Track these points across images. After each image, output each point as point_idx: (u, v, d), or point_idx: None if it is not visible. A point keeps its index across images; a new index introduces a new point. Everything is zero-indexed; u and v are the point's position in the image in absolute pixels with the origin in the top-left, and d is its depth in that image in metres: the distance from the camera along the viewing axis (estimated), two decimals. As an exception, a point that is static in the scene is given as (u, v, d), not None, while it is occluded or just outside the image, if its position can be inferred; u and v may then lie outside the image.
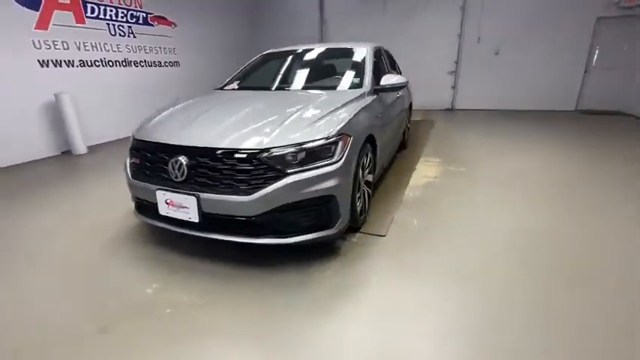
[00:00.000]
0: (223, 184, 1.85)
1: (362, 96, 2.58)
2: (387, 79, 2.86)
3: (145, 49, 6.45)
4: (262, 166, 1.80)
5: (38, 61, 4.86)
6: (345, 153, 1.98)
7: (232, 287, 1.89)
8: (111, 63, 5.85)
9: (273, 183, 1.80)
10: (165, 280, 1.98)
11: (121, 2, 5.93)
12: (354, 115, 2.20)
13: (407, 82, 3.01)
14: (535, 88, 7.69)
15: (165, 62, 6.94)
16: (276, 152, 1.81)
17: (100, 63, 5.67)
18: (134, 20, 6.18)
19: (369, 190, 2.61)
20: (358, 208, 2.32)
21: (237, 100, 2.61)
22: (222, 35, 8.46)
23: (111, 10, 5.77)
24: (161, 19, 6.75)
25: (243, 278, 1.96)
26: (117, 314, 1.71)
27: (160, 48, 6.78)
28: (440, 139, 5.29)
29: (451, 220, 2.61)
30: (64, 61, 5.16)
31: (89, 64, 5.50)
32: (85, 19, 5.39)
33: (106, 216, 2.83)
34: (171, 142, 1.99)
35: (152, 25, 6.55)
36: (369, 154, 2.48)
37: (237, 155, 1.82)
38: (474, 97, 8.25)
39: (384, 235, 2.38)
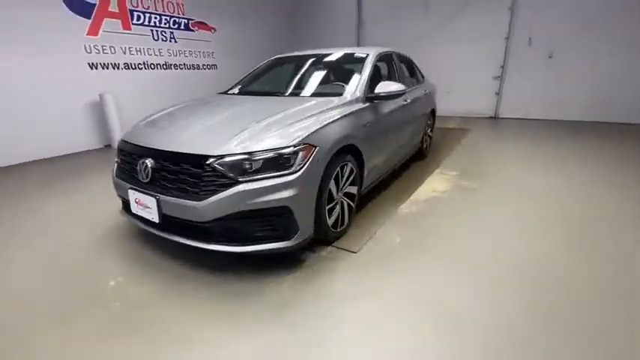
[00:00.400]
0: (179, 188, 1.89)
1: (346, 104, 2.47)
2: (383, 87, 2.72)
3: (185, 53, 6.88)
4: (213, 173, 1.80)
5: (88, 63, 5.43)
6: (307, 164, 1.90)
7: (188, 288, 1.92)
8: (152, 66, 6.33)
9: (224, 190, 1.79)
10: (131, 274, 2.07)
11: (165, 10, 6.40)
12: (325, 125, 2.11)
13: (404, 90, 2.83)
14: (599, 96, 6.74)
15: (204, 65, 7.34)
16: (227, 160, 1.80)
17: (142, 66, 6.18)
18: (176, 26, 6.64)
19: (351, 203, 2.49)
20: (331, 221, 2.23)
21: (224, 105, 2.65)
22: (260, 38, 8.73)
23: (155, 18, 6.25)
24: (202, 25, 7.16)
25: (201, 282, 1.98)
26: (70, 300, 1.83)
27: (199, 52, 7.19)
28: (467, 151, 4.90)
29: (437, 241, 2.38)
30: (111, 64, 5.71)
31: (132, 66, 6.02)
32: (132, 25, 5.91)
33: (115, 205, 3.04)
34: (142, 144, 2.09)
35: (193, 30, 6.97)
36: (350, 165, 2.36)
37: (190, 160, 1.85)
38: (522, 104, 7.52)
39: (355, 252, 2.25)
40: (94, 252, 2.36)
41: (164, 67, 6.54)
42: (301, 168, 1.88)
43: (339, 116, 2.27)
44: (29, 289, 1.98)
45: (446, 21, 7.87)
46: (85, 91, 5.43)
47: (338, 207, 2.31)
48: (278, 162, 1.85)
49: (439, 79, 6.48)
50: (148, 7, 6.12)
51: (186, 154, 1.88)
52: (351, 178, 2.41)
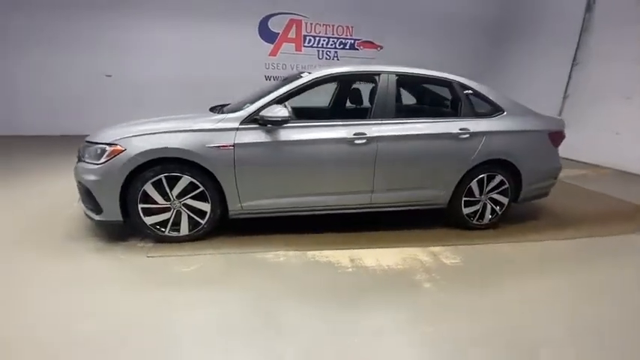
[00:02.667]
0: None
1: (207, 122, 2.58)
2: (270, 111, 2.54)
3: (343, 69, 7.75)
4: None
5: (265, 76, 7.46)
6: (111, 160, 2.40)
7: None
8: (311, 79, 7.67)
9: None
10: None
11: (334, 33, 7.49)
12: (146, 133, 2.45)
13: (287, 118, 2.45)
14: None
15: (362, 81, 7.94)
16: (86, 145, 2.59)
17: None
18: (341, 46, 7.60)
19: (198, 219, 2.65)
20: (151, 220, 2.55)
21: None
22: (435, 55, 8.10)
23: (324, 40, 7.49)
24: (368, 44, 7.72)
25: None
26: None
27: (359, 68, 7.83)
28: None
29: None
30: (280, 77, 7.54)
31: (295, 79, 7.60)
32: (303, 48, 7.45)
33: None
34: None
35: (357, 49, 7.69)
36: (191, 179, 2.52)
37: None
38: None
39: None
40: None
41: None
42: (106, 162, 2.40)
43: (177, 129, 2.49)
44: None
45: None
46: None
47: (170, 213, 2.57)
48: (96, 153, 2.47)
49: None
50: (319, 31, 7.41)
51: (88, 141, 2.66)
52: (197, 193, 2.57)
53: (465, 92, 3.08)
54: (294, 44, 7.40)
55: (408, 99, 3.88)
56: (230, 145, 2.52)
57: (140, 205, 2.51)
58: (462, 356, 1.68)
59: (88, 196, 2.49)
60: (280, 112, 2.47)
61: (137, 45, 6.77)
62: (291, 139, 2.62)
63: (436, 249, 2.78)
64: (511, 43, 7.98)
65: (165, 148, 2.44)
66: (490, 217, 3.19)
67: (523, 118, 3.16)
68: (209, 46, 7.09)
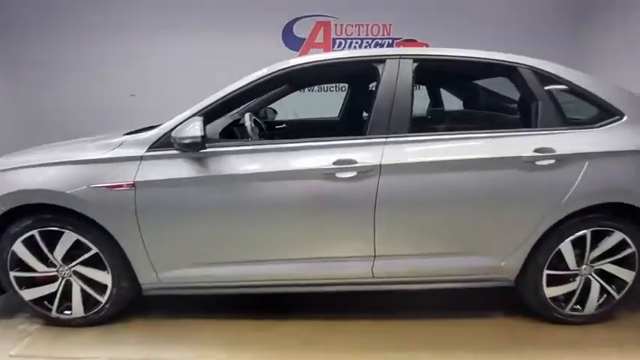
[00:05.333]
0: None
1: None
2: (181, 130, 1.55)
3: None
4: None
5: (290, 87, 6.66)
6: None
7: None
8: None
9: None
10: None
11: (369, 33, 6.42)
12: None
13: (196, 138, 1.40)
14: None
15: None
16: None
17: (333, 88, 6.67)
18: (377, 47, 6.50)
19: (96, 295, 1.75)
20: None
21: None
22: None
23: (356, 42, 6.46)
24: (410, 42, 6.51)
25: None
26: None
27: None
28: None
29: None
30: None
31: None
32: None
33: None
34: None
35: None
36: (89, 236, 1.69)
37: None
38: None
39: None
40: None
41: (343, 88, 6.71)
42: None
43: (50, 162, 1.61)
44: None
45: None
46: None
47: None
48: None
49: None
50: (351, 33, 6.41)
51: None
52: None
53: (545, 86, 1.76)
54: (322, 49, 6.47)
55: (434, 101, 2.62)
56: (128, 185, 1.58)
57: (12, 273, 1.69)
58: None
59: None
60: (191, 130, 1.46)
61: (154, 63, 6.43)
62: (228, 171, 1.61)
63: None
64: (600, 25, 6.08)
65: (22, 191, 1.57)
66: (598, 303, 1.80)
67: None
68: (229, 59, 6.49)
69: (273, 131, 3.25)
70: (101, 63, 6.35)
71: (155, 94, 6.56)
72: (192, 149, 1.59)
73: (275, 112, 3.78)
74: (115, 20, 6.26)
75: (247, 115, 2.00)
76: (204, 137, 1.52)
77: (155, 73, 6.53)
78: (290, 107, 5.59)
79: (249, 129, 1.85)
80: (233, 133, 2.10)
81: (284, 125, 3.39)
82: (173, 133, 1.59)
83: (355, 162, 1.60)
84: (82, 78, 6.38)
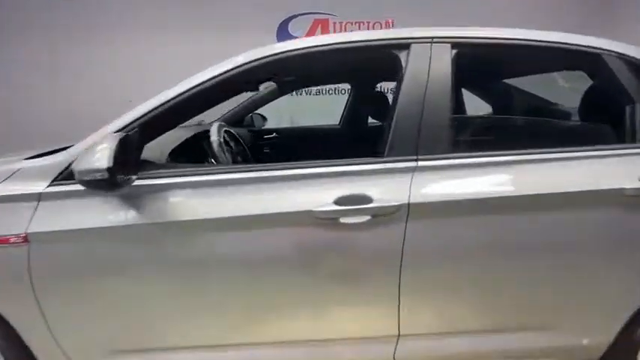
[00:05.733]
0: None
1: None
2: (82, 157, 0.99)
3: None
4: None
5: (285, 91, 6.17)
6: None
7: None
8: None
9: None
10: None
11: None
12: None
13: (102, 172, 0.83)
14: None
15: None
16: None
17: (332, 91, 6.20)
18: (380, 48, 6.05)
19: None
20: None
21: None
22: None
23: (357, 42, 5.99)
24: (415, 42, 6.05)
25: None
26: None
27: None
28: None
29: None
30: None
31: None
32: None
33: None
34: None
35: (401, 50, 6.09)
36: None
37: None
38: None
39: None
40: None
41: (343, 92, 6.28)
42: None
43: None
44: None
45: None
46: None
47: None
48: None
49: None
50: (351, 31, 5.94)
51: None
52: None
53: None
54: (320, 50, 5.99)
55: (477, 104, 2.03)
56: (18, 238, 1.01)
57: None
58: None
59: None
60: (98, 161, 0.89)
61: (146, 66, 5.94)
62: (168, 217, 1.05)
63: None
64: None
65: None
66: None
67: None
68: (220, 60, 5.99)
69: (262, 142, 2.70)
70: (94, 66, 5.90)
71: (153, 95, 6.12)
72: (100, 188, 1.03)
73: (264, 118, 3.22)
74: (111, 22, 5.81)
75: (215, 127, 1.46)
76: (111, 170, 0.95)
77: (149, 76, 6.06)
78: (284, 111, 5.06)
79: (214, 147, 1.31)
80: (199, 151, 1.56)
81: (274, 134, 2.83)
82: (73, 165, 1.04)
83: (369, 199, 1.04)
84: (74, 81, 5.91)
